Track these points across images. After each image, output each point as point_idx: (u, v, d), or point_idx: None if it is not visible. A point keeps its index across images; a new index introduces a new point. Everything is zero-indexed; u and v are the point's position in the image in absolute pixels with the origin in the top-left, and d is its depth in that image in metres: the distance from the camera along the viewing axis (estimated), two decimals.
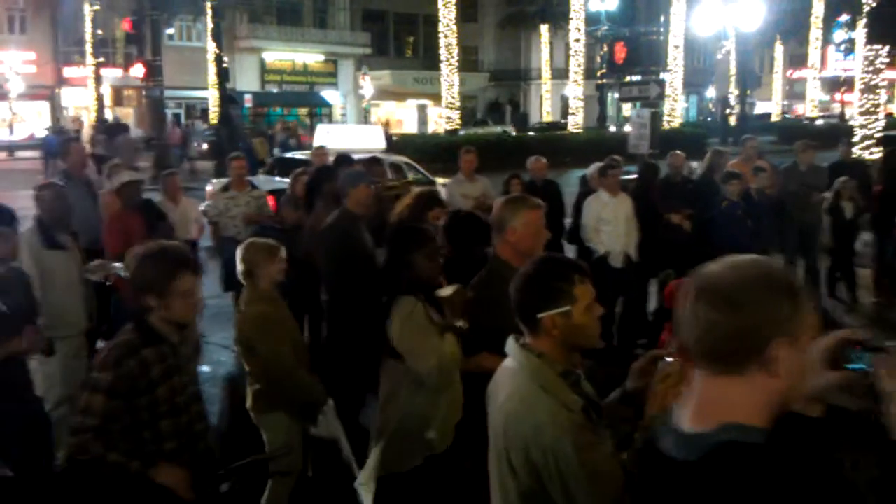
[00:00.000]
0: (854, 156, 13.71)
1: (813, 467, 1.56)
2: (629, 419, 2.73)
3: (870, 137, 21.36)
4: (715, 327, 1.58)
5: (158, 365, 3.48)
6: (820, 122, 51.96)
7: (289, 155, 19.26)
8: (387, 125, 42.67)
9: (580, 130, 40.64)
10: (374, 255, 6.07)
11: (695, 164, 12.30)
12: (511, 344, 2.74)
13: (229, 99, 33.21)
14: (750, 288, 1.59)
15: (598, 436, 2.53)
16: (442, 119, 38.72)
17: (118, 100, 45.43)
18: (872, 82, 21.86)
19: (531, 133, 44.04)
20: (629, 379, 2.78)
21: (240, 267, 4.78)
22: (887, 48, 22.06)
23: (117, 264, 6.50)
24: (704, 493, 1.52)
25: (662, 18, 46.20)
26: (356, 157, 11.62)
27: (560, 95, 53.61)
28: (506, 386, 2.70)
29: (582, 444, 2.45)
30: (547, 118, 53.26)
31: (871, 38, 21.62)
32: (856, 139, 21.56)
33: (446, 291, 4.11)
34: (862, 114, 22.18)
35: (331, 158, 12.07)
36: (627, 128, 33.43)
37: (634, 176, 10.91)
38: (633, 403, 2.74)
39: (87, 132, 34.75)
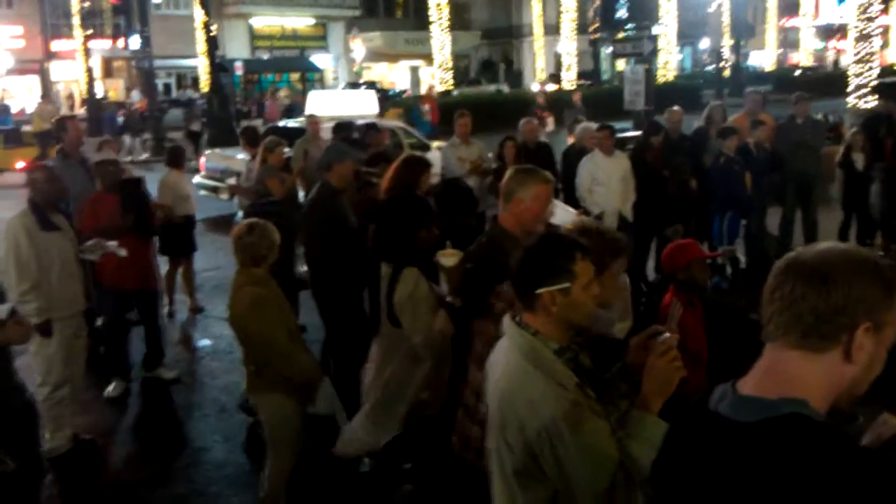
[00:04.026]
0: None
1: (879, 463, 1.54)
2: (627, 395, 2.73)
3: (865, 86, 21.22)
4: (804, 301, 1.56)
5: None
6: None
7: (282, 124, 19.01)
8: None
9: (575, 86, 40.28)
10: (355, 229, 6.06)
11: None
12: (507, 321, 2.73)
13: (219, 67, 32.90)
14: (846, 266, 1.56)
15: (594, 412, 2.52)
16: (435, 80, 38.39)
17: (108, 71, 44.97)
18: (866, 30, 21.66)
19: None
20: (628, 353, 2.77)
21: (247, 250, 4.60)
22: None
23: (112, 242, 6.48)
24: (762, 456, 1.50)
25: None
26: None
27: (553, 52, 53.14)
28: (501, 363, 2.70)
29: (575, 422, 2.44)
30: (541, 75, 52.88)
31: None
32: (850, 88, 21.43)
33: (449, 260, 4.11)
34: (857, 62, 22.01)
35: (324, 126, 12.07)
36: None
37: (630, 133, 10.86)
38: (631, 379, 2.74)
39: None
